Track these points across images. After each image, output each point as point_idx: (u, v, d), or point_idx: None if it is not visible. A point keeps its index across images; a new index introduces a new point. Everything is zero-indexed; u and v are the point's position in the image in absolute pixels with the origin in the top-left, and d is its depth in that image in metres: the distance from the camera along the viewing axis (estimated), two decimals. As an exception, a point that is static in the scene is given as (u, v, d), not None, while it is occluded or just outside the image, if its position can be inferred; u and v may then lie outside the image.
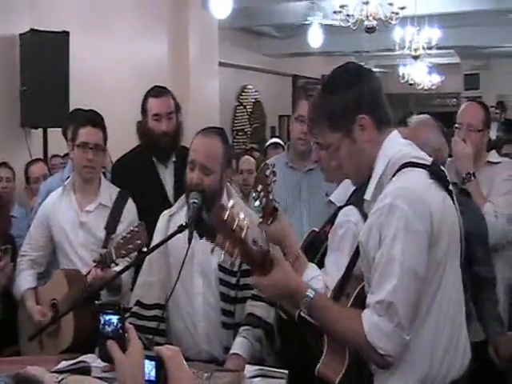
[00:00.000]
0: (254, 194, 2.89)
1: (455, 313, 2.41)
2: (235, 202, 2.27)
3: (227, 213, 2.18)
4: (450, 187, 2.45)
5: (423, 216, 2.28)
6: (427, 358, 2.35)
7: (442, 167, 2.47)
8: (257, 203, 2.88)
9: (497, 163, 4.26)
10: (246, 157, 7.19)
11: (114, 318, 1.85)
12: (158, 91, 4.60)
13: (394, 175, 2.38)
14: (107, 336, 1.84)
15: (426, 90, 20.81)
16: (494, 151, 4.40)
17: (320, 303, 2.40)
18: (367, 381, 2.50)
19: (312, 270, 2.94)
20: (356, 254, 2.59)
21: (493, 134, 11.52)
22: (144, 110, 4.57)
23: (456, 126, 4.32)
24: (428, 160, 2.44)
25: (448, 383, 2.38)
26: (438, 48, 13.55)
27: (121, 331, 1.84)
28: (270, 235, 3.08)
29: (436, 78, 21.18)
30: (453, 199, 2.44)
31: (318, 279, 2.89)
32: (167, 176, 4.58)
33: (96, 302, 3.48)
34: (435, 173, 2.39)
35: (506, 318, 4.19)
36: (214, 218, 2.20)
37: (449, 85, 21.66)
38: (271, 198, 2.91)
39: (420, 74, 19.54)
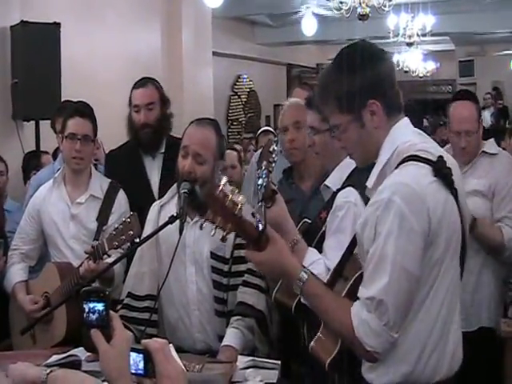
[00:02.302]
0: (258, 171, 2.85)
1: (447, 313, 2.35)
2: (226, 178, 2.23)
3: (219, 189, 2.13)
4: (456, 186, 2.35)
5: (420, 214, 2.22)
6: (413, 355, 2.31)
7: (447, 164, 2.35)
8: (260, 181, 2.85)
9: (494, 154, 4.17)
10: (228, 151, 6.92)
11: (99, 306, 1.77)
12: (140, 82, 4.56)
13: (397, 167, 2.32)
14: (91, 324, 1.77)
15: (420, 77, 20.83)
16: (491, 141, 4.29)
17: (312, 289, 2.37)
18: (358, 365, 2.48)
19: (312, 254, 2.92)
20: (355, 238, 2.54)
21: (488, 120, 11.51)
22: (130, 102, 4.55)
23: (451, 132, 4.21)
24: (434, 154, 2.35)
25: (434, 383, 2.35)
26: (433, 35, 13.52)
27: (106, 319, 1.77)
28: (268, 219, 3.07)
29: (431, 65, 21.22)
30: (457, 198, 2.35)
31: (319, 263, 2.87)
32: (154, 167, 4.55)
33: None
34: (439, 170, 2.30)
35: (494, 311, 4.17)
36: (206, 194, 2.17)
37: (444, 72, 21.70)
38: (271, 179, 2.88)
39: (415, 61, 19.56)
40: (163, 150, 4.55)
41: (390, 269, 2.21)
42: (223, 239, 2.27)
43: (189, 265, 3.48)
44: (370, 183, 2.44)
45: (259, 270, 2.52)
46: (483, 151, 4.16)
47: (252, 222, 2.29)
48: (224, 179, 2.19)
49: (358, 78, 2.39)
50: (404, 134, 2.42)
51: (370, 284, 2.26)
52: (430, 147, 2.40)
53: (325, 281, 2.60)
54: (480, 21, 13.98)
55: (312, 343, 2.59)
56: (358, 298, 2.31)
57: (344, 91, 2.40)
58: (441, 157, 2.35)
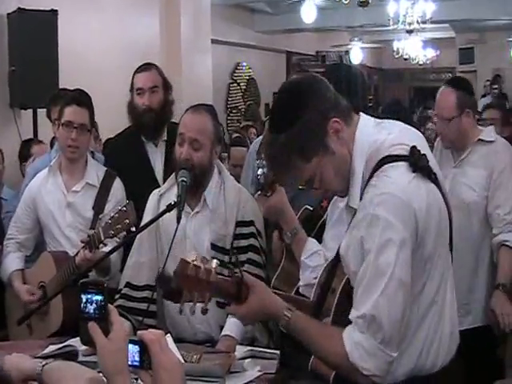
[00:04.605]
0: (257, 162, 2.84)
1: (442, 298, 2.25)
2: (195, 254, 2.33)
3: (190, 266, 2.18)
4: (435, 171, 2.23)
5: (408, 221, 2.10)
6: (415, 353, 2.20)
7: (421, 151, 2.20)
8: (260, 171, 2.84)
9: (491, 142, 4.08)
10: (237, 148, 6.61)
11: (97, 297, 1.72)
12: (142, 67, 4.52)
13: (373, 172, 2.19)
14: (89, 317, 1.72)
15: (420, 64, 20.79)
16: (490, 128, 4.26)
17: (298, 325, 2.27)
18: None
19: (312, 244, 2.89)
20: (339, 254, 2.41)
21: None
22: (131, 88, 4.49)
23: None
24: (406, 144, 2.21)
25: (438, 370, 2.24)
26: (433, 22, 13.48)
27: (103, 312, 1.72)
28: (268, 208, 3.04)
29: (431, 53, 21.16)
30: (438, 184, 2.23)
31: (319, 254, 2.86)
32: (157, 155, 4.49)
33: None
34: (415, 163, 2.16)
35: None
36: (179, 277, 2.22)
37: (444, 59, 21.66)
38: None
39: (415, 49, 19.48)
40: (165, 138, 4.47)
41: (385, 283, 2.09)
42: (204, 312, 2.31)
43: (189, 256, 3.45)
44: (354, 203, 2.26)
45: (245, 323, 2.53)
46: (480, 139, 4.07)
47: (227, 279, 2.30)
48: (192, 254, 2.27)
49: (302, 121, 2.21)
50: (368, 135, 2.26)
51: (361, 303, 2.13)
52: (397, 138, 2.26)
53: (313, 295, 2.60)
54: (480, 8, 13.91)
55: (311, 361, 2.47)
56: (350, 322, 2.18)
57: (298, 140, 2.22)
58: (414, 147, 2.21)
